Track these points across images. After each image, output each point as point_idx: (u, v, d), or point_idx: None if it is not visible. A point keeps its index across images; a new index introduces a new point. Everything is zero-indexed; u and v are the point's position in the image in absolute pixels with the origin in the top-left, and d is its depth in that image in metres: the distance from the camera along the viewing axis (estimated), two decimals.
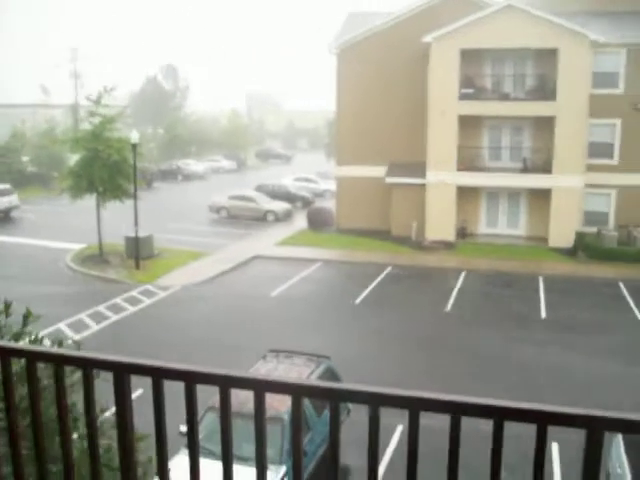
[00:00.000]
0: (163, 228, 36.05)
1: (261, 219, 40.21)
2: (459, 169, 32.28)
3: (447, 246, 32.36)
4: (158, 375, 1.98)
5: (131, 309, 22.94)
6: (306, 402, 10.83)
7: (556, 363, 18.11)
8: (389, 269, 28.78)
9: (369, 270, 28.46)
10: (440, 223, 32.77)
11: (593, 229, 31.52)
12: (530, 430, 1.81)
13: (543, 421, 1.69)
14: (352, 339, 20.12)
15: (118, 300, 23.98)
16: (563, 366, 17.87)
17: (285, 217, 40.64)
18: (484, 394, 14.53)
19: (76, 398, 3.69)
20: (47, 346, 5.27)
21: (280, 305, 23.58)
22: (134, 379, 2.12)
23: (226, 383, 1.92)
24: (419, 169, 33.17)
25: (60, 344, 5.95)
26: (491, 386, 16.23)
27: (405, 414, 1.83)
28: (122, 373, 2.02)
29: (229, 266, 29.13)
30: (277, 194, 44.82)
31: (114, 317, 22.03)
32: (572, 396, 15.52)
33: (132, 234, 28.98)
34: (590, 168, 31.53)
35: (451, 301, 24.14)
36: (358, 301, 24.10)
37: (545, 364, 18.05)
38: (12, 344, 2.23)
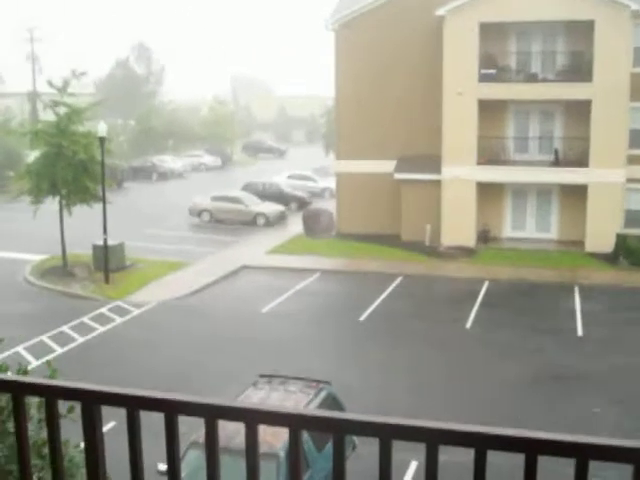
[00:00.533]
0: (136, 235, 36.40)
1: (250, 223, 40.65)
2: (480, 162, 32.32)
3: (466, 252, 32.54)
4: (133, 405, 1.97)
5: (100, 329, 23.27)
6: (305, 435, 11.49)
7: (599, 392, 18.05)
8: (399, 280, 29.17)
9: (376, 281, 28.83)
10: (458, 226, 32.87)
11: (637, 231, 31.48)
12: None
13: (583, 455, 1.69)
14: (356, 362, 20.32)
15: (85, 319, 24.23)
16: (610, 397, 17.75)
17: (278, 221, 41.11)
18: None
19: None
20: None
21: (272, 323, 23.98)
22: (107, 410, 2.09)
23: (213, 414, 1.90)
24: (433, 163, 33.21)
25: (25, 372, 5.91)
26: (523, 425, 16.00)
27: (420, 448, 1.83)
28: (91, 403, 2.01)
29: (213, 278, 29.62)
30: (268, 194, 45.28)
31: (81, 339, 22.29)
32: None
33: (100, 242, 29.12)
34: (632, 160, 31.33)
35: (472, 317, 24.38)
36: (363, 318, 24.46)
37: (585, 395, 17.95)
38: None
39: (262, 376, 13.92)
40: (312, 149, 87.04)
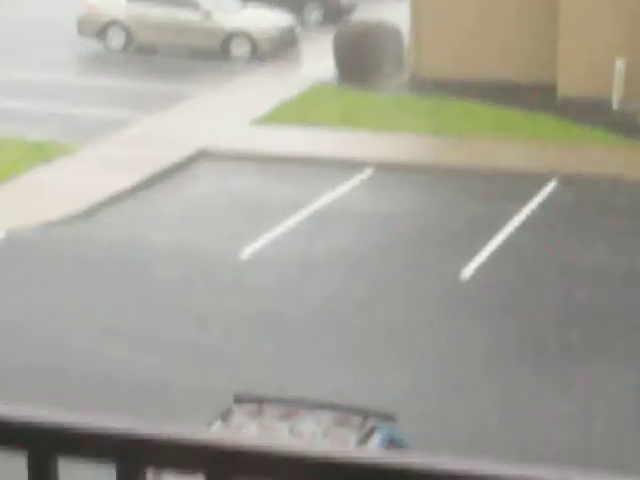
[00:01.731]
0: None
1: (215, 53, 41.68)
2: None
3: None
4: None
5: None
6: None
7: None
8: (551, 187, 29.42)
9: (496, 188, 29.35)
10: None
11: None
12: None
13: None
14: (452, 377, 20.60)
15: None
16: None
17: (278, 48, 41.84)
18: None
19: None
20: None
21: (264, 286, 23.94)
22: None
23: (151, 454, 2.18)
24: None
25: None
26: None
27: None
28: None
29: (134, 179, 29.58)
30: None
31: None
32: None
33: None
34: None
35: None
36: (468, 274, 24.60)
37: None
38: None
39: (240, 400, 14.49)
40: None
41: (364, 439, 13.82)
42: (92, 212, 27.65)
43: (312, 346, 21.78)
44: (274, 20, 41.72)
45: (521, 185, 29.37)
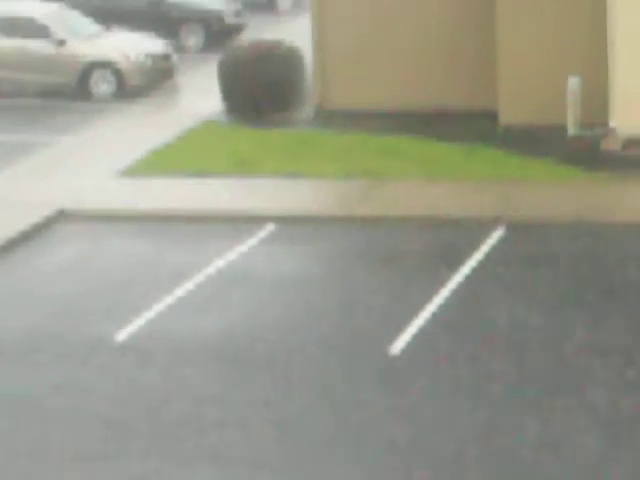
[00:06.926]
0: None
1: (74, 90, 40.78)
2: None
3: None
4: None
5: None
6: None
7: None
8: (498, 235, 28.99)
9: (427, 241, 28.71)
10: None
11: None
12: None
13: None
14: None
15: None
16: None
17: (149, 81, 41.33)
18: None
19: None
20: None
21: (142, 379, 21.68)
22: None
23: None
24: None
25: None
26: None
27: None
28: None
29: None
30: (122, 10, 47.52)
31: None
32: None
33: None
34: None
35: None
36: (398, 349, 22.85)
37: None
38: None
39: None
40: None
41: None
42: None
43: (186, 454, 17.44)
44: (144, 47, 40.70)
45: (457, 231, 28.40)
